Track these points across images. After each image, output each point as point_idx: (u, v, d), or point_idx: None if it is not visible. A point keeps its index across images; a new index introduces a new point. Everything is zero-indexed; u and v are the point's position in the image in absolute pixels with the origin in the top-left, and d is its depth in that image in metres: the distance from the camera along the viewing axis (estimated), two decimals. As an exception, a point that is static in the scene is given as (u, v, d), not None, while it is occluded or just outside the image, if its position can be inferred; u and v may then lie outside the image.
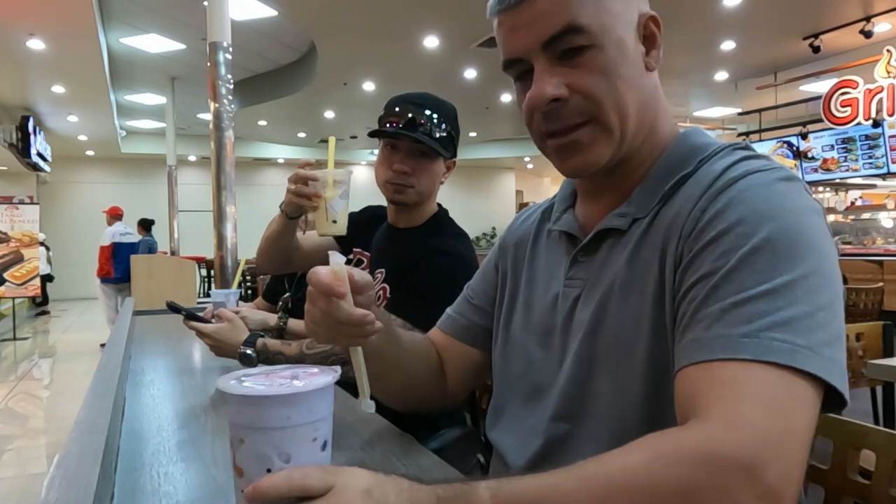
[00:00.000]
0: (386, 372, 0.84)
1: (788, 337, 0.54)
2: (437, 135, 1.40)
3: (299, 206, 1.37)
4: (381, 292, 1.44)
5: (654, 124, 0.73)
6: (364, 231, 1.61)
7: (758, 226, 0.59)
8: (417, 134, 1.38)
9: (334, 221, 1.30)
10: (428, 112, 1.40)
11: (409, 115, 1.40)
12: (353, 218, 1.60)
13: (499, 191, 17.68)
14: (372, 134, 1.44)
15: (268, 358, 1.32)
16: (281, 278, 2.29)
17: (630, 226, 0.71)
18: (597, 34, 0.66)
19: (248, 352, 1.33)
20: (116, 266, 6.93)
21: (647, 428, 0.56)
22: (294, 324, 1.77)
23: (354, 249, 1.63)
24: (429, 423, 1.36)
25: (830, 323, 0.56)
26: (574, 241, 0.78)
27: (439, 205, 1.55)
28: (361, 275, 0.69)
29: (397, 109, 1.42)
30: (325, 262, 0.65)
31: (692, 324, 0.59)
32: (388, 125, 1.43)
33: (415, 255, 1.40)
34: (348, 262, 1.60)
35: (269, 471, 0.52)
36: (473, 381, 0.97)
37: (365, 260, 1.60)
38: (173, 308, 1.52)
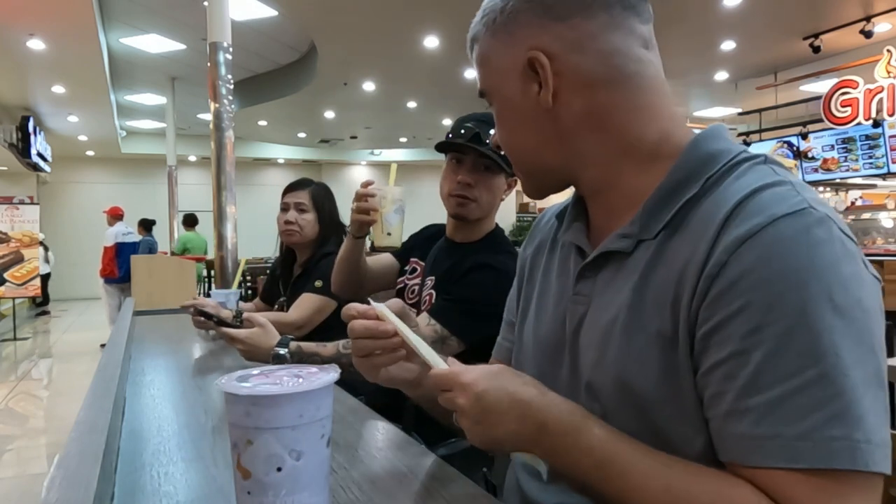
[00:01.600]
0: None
1: (846, 432, 0.52)
2: (502, 151, 1.43)
3: (361, 222, 1.47)
4: (427, 297, 1.50)
5: (622, 143, 0.70)
6: (424, 244, 1.70)
7: (791, 293, 0.54)
8: (482, 148, 1.42)
9: (388, 234, 1.43)
10: (493, 130, 1.43)
11: (475, 132, 1.43)
12: (416, 233, 1.75)
13: (499, 191, 17.64)
14: (439, 147, 1.49)
15: (302, 359, 1.35)
16: (276, 280, 2.31)
17: (635, 248, 0.68)
18: (490, 94, 0.77)
19: (282, 352, 1.35)
20: (120, 266, 6.95)
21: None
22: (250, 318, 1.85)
23: (411, 259, 1.70)
24: (441, 430, 1.36)
25: (878, 392, 0.55)
26: (582, 254, 0.76)
27: (497, 224, 1.59)
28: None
29: (464, 126, 1.46)
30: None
31: (736, 414, 0.56)
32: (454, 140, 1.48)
33: (464, 267, 1.44)
34: (403, 272, 1.70)
35: (279, 470, 0.52)
36: None
37: (419, 268, 1.65)
38: (203, 314, 1.54)
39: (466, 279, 1.42)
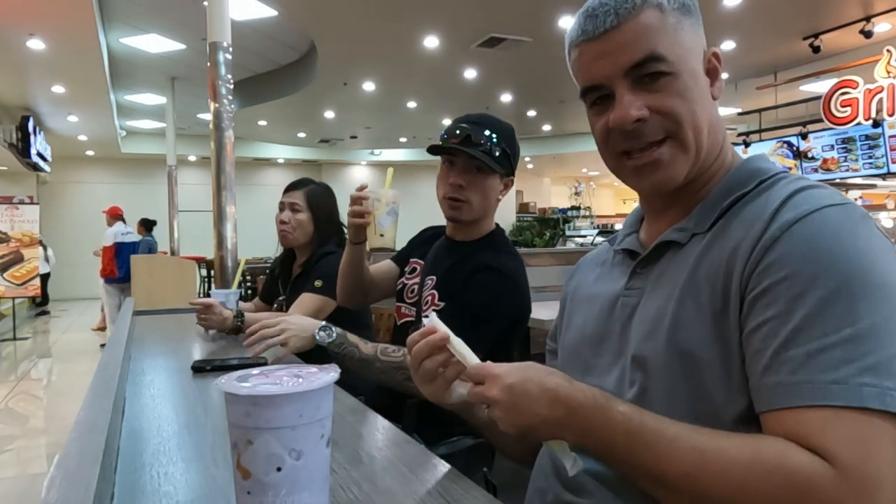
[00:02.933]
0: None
1: (877, 381, 0.56)
2: (495, 153, 1.45)
3: (355, 226, 1.48)
4: (429, 297, 1.51)
5: (723, 146, 0.79)
6: (423, 245, 1.71)
7: (834, 268, 0.60)
8: (472, 150, 1.42)
9: (381, 235, 1.45)
10: (487, 132, 1.45)
11: (467, 134, 1.44)
12: (414, 237, 1.78)
13: (499, 191, 17.62)
14: (430, 150, 1.50)
15: (344, 342, 1.38)
16: (276, 280, 2.32)
17: (689, 240, 0.75)
18: (674, 62, 0.73)
19: (328, 333, 1.38)
20: (120, 266, 6.95)
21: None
22: (251, 318, 1.91)
23: (412, 260, 1.71)
24: (442, 429, 1.37)
25: None
26: (635, 257, 0.83)
27: (497, 224, 1.60)
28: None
29: (457, 128, 1.46)
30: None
31: (775, 365, 0.61)
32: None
33: (465, 268, 1.45)
34: (404, 273, 1.70)
35: (279, 470, 0.52)
36: None
37: (418, 268, 1.66)
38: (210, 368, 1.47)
39: (471, 282, 1.42)
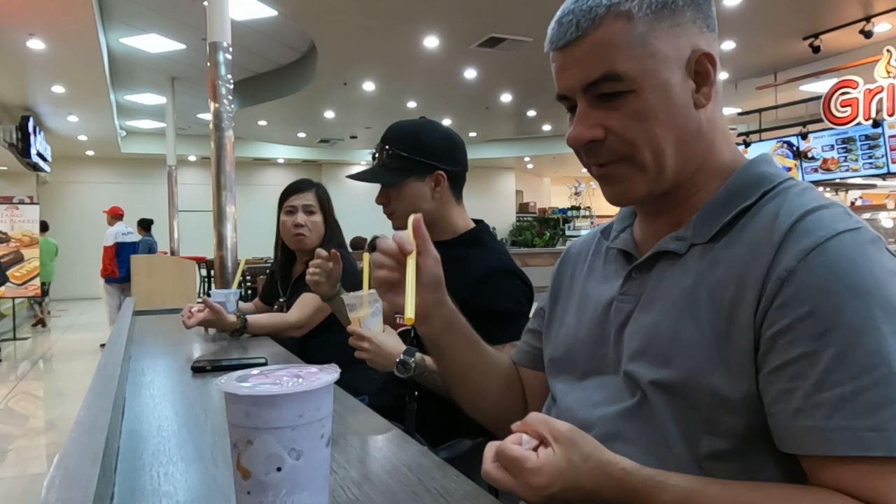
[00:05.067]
0: (458, 373, 0.94)
1: None
2: (392, 165, 1.48)
3: (312, 283, 1.61)
4: None
5: (707, 156, 0.74)
6: None
7: (858, 300, 0.59)
8: (364, 174, 1.51)
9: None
10: (386, 146, 1.50)
11: (375, 153, 1.53)
12: None
13: (499, 191, 17.66)
14: (353, 177, 1.59)
15: (424, 371, 1.29)
16: (275, 282, 2.30)
17: (687, 250, 0.72)
18: (636, 80, 0.68)
19: (410, 361, 1.28)
20: (120, 266, 6.95)
21: (689, 450, 0.66)
22: (253, 320, 1.92)
23: None
24: (442, 432, 1.36)
25: None
26: (630, 259, 0.80)
27: (480, 221, 1.60)
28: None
29: (374, 153, 1.55)
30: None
31: (807, 408, 0.59)
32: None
33: (465, 267, 1.40)
34: None
35: (279, 470, 0.52)
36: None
37: None
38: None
39: (485, 287, 1.38)
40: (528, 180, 18.77)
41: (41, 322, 9.40)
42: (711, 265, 0.69)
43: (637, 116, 0.69)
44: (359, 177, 1.53)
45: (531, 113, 11.75)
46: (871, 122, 6.44)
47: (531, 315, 1.01)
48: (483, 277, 1.40)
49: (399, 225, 1.48)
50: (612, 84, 0.69)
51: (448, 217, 1.53)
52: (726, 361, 0.64)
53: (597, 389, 0.78)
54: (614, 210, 0.89)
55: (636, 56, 0.68)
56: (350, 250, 2.23)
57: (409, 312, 0.75)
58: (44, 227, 8.27)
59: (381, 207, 1.54)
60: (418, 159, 1.47)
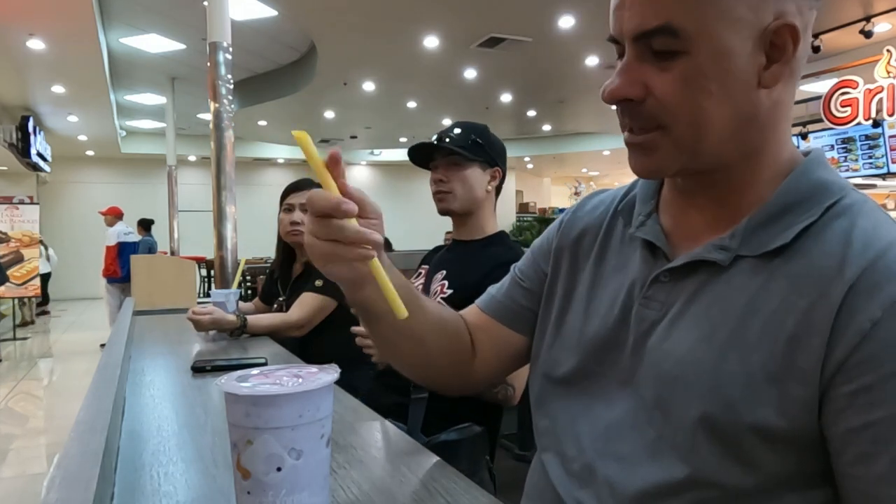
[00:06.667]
0: (400, 337, 0.79)
1: None
2: (466, 142, 1.55)
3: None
4: (438, 287, 1.55)
5: (765, 147, 0.64)
6: (432, 255, 1.77)
7: None
8: (443, 143, 1.54)
9: None
10: (457, 130, 1.57)
11: (437, 138, 1.57)
12: (426, 255, 1.82)
13: (499, 191, 17.63)
14: (412, 160, 1.63)
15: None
16: (275, 281, 2.32)
17: (732, 262, 0.63)
18: (693, 40, 0.58)
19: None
20: (122, 266, 6.95)
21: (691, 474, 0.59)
22: (253, 320, 1.94)
23: (420, 268, 1.74)
24: (446, 425, 1.38)
25: None
26: (656, 253, 0.70)
27: (502, 230, 1.66)
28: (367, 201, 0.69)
29: (439, 134, 1.59)
30: None
31: (892, 477, 0.54)
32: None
33: (480, 263, 1.49)
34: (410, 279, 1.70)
35: (279, 470, 0.52)
36: (510, 368, 0.89)
37: (423, 272, 1.69)
38: None
39: (495, 275, 1.41)
40: (528, 180, 18.76)
41: (29, 323, 9.39)
42: (764, 289, 0.60)
43: (685, 83, 0.59)
44: (440, 145, 1.55)
45: (531, 113, 11.75)
46: (871, 122, 6.43)
47: (520, 266, 0.90)
48: (501, 264, 1.42)
49: (444, 208, 1.58)
50: (667, 40, 0.59)
51: (485, 214, 1.61)
52: (774, 403, 0.57)
53: (607, 408, 0.69)
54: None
55: (704, 12, 0.58)
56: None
57: (400, 309, 0.63)
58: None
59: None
60: (489, 151, 1.58)
